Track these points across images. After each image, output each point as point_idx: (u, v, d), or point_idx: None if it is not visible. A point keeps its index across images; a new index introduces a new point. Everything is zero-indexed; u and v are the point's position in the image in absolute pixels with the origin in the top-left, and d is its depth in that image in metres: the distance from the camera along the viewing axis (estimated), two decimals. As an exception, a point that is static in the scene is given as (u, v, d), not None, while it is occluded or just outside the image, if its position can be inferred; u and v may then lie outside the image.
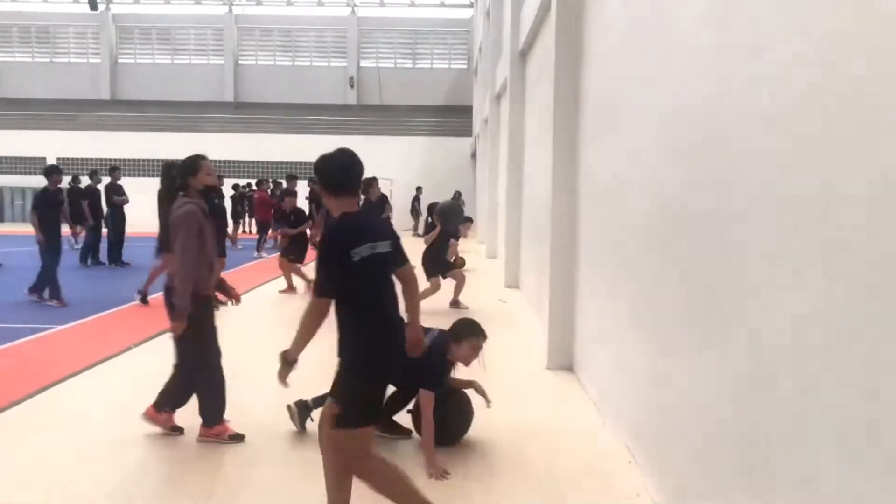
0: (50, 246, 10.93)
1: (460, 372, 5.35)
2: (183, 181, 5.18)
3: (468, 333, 5.04)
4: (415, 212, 27.28)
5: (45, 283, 10.94)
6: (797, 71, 2.65)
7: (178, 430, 5.34)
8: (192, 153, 5.42)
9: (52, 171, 11.25)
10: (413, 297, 3.83)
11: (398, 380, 4.74)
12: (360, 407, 3.49)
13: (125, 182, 16.61)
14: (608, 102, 5.93)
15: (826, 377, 2.40)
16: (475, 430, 5.34)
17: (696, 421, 3.68)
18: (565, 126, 7.20)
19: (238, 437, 5.21)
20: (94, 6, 34.87)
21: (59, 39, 38.01)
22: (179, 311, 4.91)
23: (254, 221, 21.76)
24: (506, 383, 6.87)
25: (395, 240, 3.73)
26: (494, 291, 12.81)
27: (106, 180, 16.07)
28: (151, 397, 5.36)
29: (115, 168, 16.26)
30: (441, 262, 11.08)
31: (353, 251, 3.40)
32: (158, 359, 7.33)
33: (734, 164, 3.21)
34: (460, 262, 16.53)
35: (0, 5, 37.39)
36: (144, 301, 10.73)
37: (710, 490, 3.48)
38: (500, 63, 16.27)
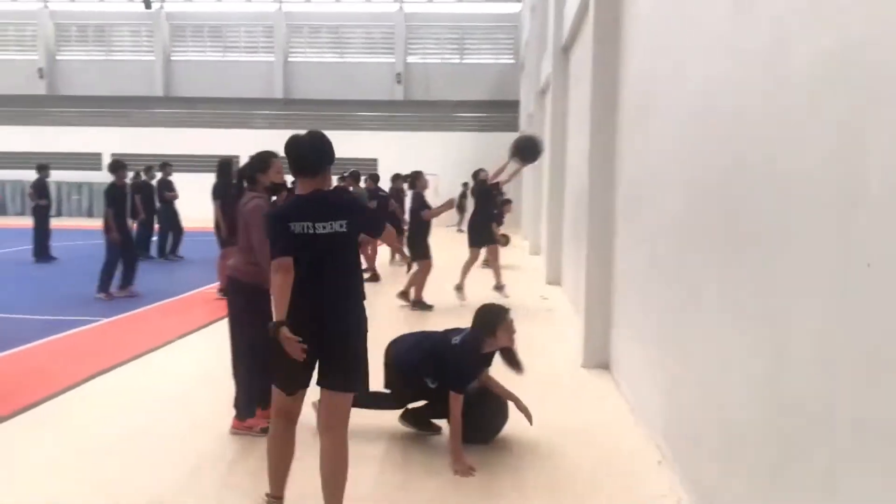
0: (117, 242, 11.17)
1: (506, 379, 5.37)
2: (252, 176, 5.28)
3: (497, 320, 5.05)
4: (460, 208, 27.28)
5: (109, 280, 11.17)
6: (826, 65, 2.61)
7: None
8: (243, 149, 5.62)
9: (118, 167, 11.53)
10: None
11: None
12: (273, 366, 3.76)
13: (177, 178, 16.95)
14: (643, 97, 5.89)
15: (856, 379, 2.35)
16: (505, 427, 5.37)
17: (724, 421, 3.65)
18: (602, 122, 7.17)
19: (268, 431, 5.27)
20: (148, 4, 35.54)
21: (114, 38, 38.88)
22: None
23: None
24: (539, 380, 6.88)
25: (356, 216, 3.86)
26: (536, 288, 12.79)
27: (158, 176, 16.41)
28: (200, 388, 5.50)
29: (166, 164, 16.60)
30: (485, 231, 11.34)
31: (291, 224, 3.67)
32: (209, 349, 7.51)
33: (764, 162, 3.17)
34: (503, 241, 16.53)
35: (59, 5, 38.40)
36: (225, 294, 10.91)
37: (737, 491, 3.45)
38: (545, 58, 16.22)
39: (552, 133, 13.35)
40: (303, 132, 4.05)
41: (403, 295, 10.65)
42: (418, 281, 10.47)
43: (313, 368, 3.77)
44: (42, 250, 15.58)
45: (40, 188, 15.88)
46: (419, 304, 10.41)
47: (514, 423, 5.37)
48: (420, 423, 5.38)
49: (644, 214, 5.78)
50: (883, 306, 2.18)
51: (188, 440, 5.22)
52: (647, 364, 5.59)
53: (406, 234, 11.96)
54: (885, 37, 2.18)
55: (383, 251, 16.45)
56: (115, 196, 11.28)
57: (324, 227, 3.72)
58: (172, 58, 38.65)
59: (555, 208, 13.24)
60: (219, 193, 10.60)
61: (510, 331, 5.06)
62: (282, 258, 3.62)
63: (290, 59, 38.47)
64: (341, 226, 3.76)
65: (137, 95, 36.89)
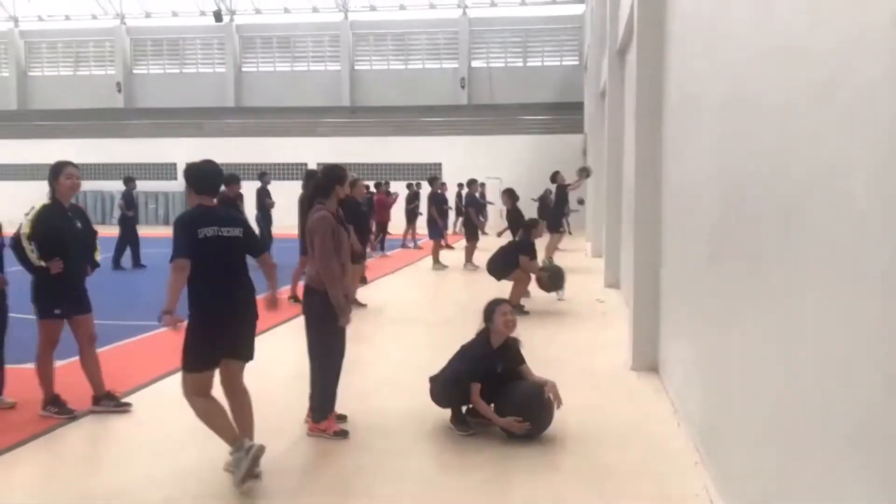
0: None
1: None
2: (328, 187, 5.55)
3: (491, 309, 5.66)
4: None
5: None
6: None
7: (342, 419, 5.69)
8: (310, 157, 5.96)
9: (232, 180, 12.03)
10: (270, 273, 5.07)
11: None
12: (193, 354, 4.60)
13: (245, 185, 17.40)
14: (687, 98, 5.93)
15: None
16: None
17: (761, 424, 3.67)
18: (648, 124, 7.22)
19: (342, 434, 5.46)
20: (218, 18, 36.82)
21: (187, 51, 40.27)
22: (340, 309, 5.34)
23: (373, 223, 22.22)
24: (586, 382, 6.99)
25: (247, 229, 4.91)
26: (594, 291, 12.81)
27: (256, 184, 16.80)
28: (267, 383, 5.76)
29: (264, 174, 17.00)
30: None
31: (199, 230, 4.59)
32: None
33: (808, 161, 3.11)
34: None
35: (135, 21, 39.99)
36: (296, 300, 11.26)
37: (769, 494, 3.47)
38: (604, 61, 16.21)
39: (609, 136, 13.36)
40: (366, 137, 4.53)
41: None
42: (517, 288, 10.72)
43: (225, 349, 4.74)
44: (133, 258, 16.23)
45: (129, 199, 16.53)
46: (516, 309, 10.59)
47: (556, 424, 5.50)
48: (459, 424, 5.58)
49: (689, 217, 5.82)
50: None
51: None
52: (688, 365, 5.64)
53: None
54: None
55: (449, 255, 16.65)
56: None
57: (228, 231, 4.71)
58: (243, 69, 39.79)
59: (613, 211, 13.24)
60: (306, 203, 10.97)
61: (505, 314, 5.56)
62: (181, 260, 4.50)
63: (356, 68, 39.15)
64: (239, 232, 4.79)
65: (210, 106, 38.09)
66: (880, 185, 2.32)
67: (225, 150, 34.50)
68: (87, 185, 34.05)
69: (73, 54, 40.68)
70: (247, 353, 4.88)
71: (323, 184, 5.56)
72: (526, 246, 10.82)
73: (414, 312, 11.13)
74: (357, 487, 4.75)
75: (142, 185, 33.89)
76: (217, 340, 4.66)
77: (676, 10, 6.47)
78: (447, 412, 5.66)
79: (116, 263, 16.03)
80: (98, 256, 6.54)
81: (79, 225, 6.11)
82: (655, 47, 7.08)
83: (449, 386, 5.52)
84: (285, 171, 32.19)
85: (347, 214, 6.23)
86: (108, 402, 6.13)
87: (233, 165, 33.71)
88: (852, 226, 2.55)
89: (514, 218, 13.65)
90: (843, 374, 2.59)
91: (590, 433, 5.57)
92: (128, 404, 6.20)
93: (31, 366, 6.17)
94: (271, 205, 16.47)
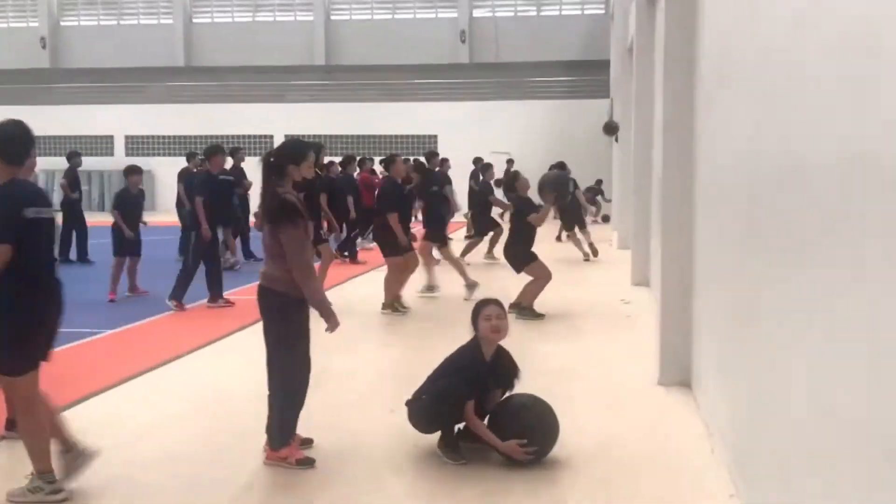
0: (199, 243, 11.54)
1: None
2: (282, 167, 5.52)
3: (477, 311, 5.76)
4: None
5: (186, 286, 11.50)
6: None
7: (308, 443, 5.76)
8: (278, 127, 6.00)
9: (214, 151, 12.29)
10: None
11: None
12: (19, 353, 4.76)
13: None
14: (722, 63, 6.02)
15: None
16: (557, 449, 5.63)
17: (805, 447, 3.75)
18: (678, 90, 7.32)
19: (306, 462, 5.45)
20: (165, -42, 36.85)
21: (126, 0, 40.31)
22: (326, 313, 5.47)
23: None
24: (604, 400, 7.12)
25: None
26: (619, 289, 12.92)
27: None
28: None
29: (237, 149, 17.12)
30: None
31: (25, 210, 4.72)
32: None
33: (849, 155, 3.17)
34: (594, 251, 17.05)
35: (63, -38, 40.02)
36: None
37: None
38: (632, 9, 16.28)
39: (637, 101, 13.45)
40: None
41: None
42: (532, 289, 10.82)
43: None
44: (78, 250, 16.55)
45: (73, 179, 16.68)
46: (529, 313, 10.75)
47: (569, 446, 5.62)
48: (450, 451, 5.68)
49: (724, 202, 5.92)
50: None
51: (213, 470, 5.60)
52: (723, 380, 5.75)
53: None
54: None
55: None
56: (212, 188, 11.87)
57: (48, 213, 4.96)
58: (194, 20, 39.81)
59: (642, 197, 13.32)
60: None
61: (488, 319, 5.62)
62: (2, 245, 4.62)
63: (332, 18, 39.19)
64: (49, 212, 5.02)
65: (154, 66, 38.09)
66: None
67: (173, 119, 34.61)
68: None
69: (-13, 3, 40.72)
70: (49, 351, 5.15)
71: (275, 163, 5.56)
72: (525, 206, 11.08)
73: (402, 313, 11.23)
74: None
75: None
76: (40, 339, 4.95)
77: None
78: (434, 436, 5.75)
79: (64, 256, 15.89)
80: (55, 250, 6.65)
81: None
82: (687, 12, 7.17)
83: (435, 405, 5.58)
84: (248, 145, 32.30)
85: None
86: None
87: (183, 138, 33.80)
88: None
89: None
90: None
91: (606, 462, 5.67)
92: None
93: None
94: (248, 186, 16.34)
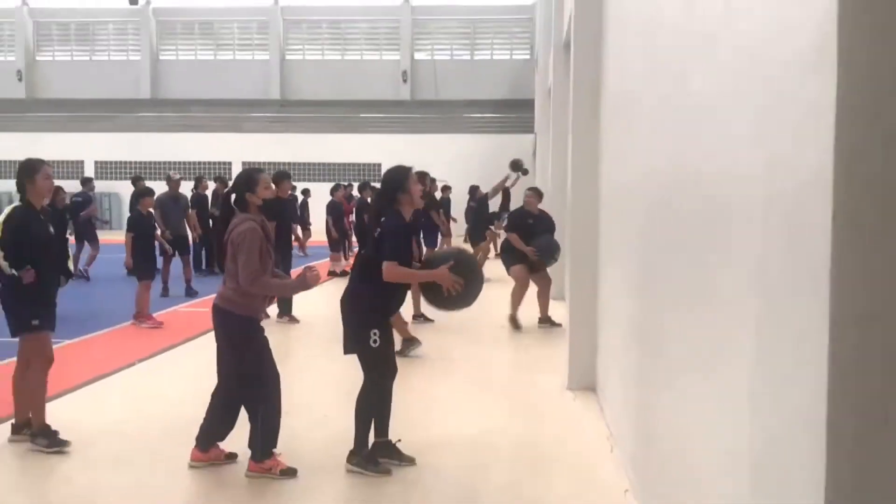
0: None
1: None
2: (240, 197, 5.33)
3: (403, 176, 5.42)
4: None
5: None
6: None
7: (233, 457, 5.44)
8: (236, 155, 5.75)
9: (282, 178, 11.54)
10: None
11: None
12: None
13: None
14: (621, 96, 6.05)
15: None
16: (470, 448, 5.56)
17: (688, 451, 3.73)
18: (584, 123, 7.35)
19: (290, 472, 5.21)
20: (133, 1, 36.27)
21: (98, 37, 39.59)
22: (300, 285, 5.23)
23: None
24: (518, 402, 7.07)
25: None
26: (537, 304, 12.90)
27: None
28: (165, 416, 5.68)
29: (200, 178, 16.74)
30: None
31: None
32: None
33: (727, 162, 3.18)
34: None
35: (38, 2, 39.16)
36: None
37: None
38: (550, 56, 16.40)
39: (554, 135, 13.51)
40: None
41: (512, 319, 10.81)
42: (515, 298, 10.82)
43: None
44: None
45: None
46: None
47: (481, 445, 5.53)
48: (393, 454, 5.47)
49: (620, 224, 5.93)
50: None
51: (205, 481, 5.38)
52: (620, 386, 5.73)
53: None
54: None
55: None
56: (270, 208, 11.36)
57: None
58: (161, 57, 39.28)
59: (558, 217, 13.35)
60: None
61: (418, 185, 5.45)
62: None
63: (287, 58, 38.98)
64: None
65: (123, 98, 37.50)
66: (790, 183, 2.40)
67: (140, 147, 34.00)
68: (-20, 183, 33.36)
69: (-33, 38, 39.69)
70: None
71: (236, 192, 5.38)
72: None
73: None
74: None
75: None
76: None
77: (612, 3, 6.59)
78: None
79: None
80: (71, 265, 6.44)
81: (51, 230, 5.89)
82: (593, 44, 7.20)
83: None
84: (207, 171, 31.82)
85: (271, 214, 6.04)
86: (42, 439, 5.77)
87: (148, 164, 33.23)
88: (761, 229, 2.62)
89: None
90: (774, 396, 2.54)
91: (518, 458, 5.62)
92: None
93: None
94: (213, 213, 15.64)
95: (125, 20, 39.01)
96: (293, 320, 11.06)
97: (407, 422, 5.87)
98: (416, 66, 38.43)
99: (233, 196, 5.43)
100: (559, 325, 10.62)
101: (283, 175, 11.71)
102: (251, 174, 5.41)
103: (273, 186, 5.65)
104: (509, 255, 11.24)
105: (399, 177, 5.41)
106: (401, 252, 5.20)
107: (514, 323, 10.67)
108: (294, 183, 17.95)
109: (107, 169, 34.84)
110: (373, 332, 5.20)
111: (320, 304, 11.08)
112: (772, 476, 2.58)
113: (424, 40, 38.69)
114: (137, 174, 18.93)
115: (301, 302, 10.64)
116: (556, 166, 13.40)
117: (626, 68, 5.77)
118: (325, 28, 39.04)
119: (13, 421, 5.94)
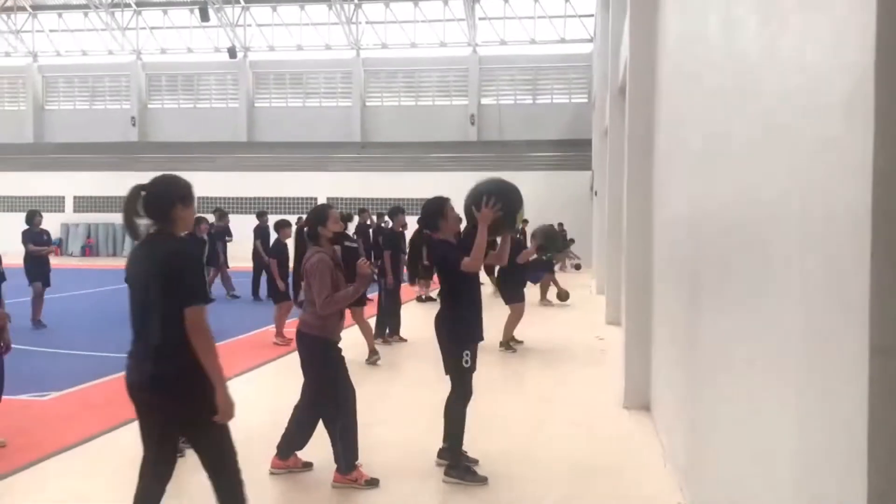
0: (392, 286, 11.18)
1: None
2: (312, 230, 5.41)
3: (440, 204, 5.65)
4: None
5: (387, 323, 11.18)
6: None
7: (309, 466, 5.52)
8: (321, 191, 5.84)
9: (397, 213, 11.90)
10: None
11: None
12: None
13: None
14: (671, 140, 6.01)
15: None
16: (526, 463, 5.52)
17: (742, 466, 3.68)
18: (639, 163, 7.31)
19: (373, 483, 5.23)
20: (233, 55, 37.37)
21: (201, 86, 40.86)
22: (356, 291, 5.28)
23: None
24: (575, 419, 7.00)
25: None
26: (595, 328, 12.79)
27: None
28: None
29: (262, 212, 17.25)
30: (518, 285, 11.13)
31: None
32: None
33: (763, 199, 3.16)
34: (563, 295, 16.57)
35: (150, 57, 40.65)
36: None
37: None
38: (606, 99, 16.35)
39: (610, 173, 13.45)
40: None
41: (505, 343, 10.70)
42: (509, 323, 10.67)
43: None
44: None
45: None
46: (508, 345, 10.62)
47: (535, 461, 5.49)
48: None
49: (672, 256, 5.87)
50: None
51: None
52: (674, 405, 5.64)
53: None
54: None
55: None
56: (390, 239, 11.59)
57: None
58: (256, 104, 40.29)
59: (614, 247, 13.26)
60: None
61: (454, 210, 5.63)
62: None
63: (367, 104, 39.58)
64: None
65: (223, 141, 38.52)
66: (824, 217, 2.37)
67: (237, 184, 34.84)
68: (99, 218, 34.63)
69: (90, 89, 41.32)
70: None
71: (308, 226, 5.45)
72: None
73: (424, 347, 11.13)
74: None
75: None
76: None
77: (664, 53, 6.57)
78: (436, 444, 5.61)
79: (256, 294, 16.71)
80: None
81: None
82: (646, 90, 7.19)
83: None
84: (296, 206, 32.44)
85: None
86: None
87: (245, 199, 34.03)
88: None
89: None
90: (821, 416, 2.45)
91: (575, 471, 5.56)
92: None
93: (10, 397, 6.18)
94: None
95: (225, 72, 40.15)
96: (401, 339, 11.04)
97: (469, 434, 5.72)
98: (482, 110, 38.62)
99: (305, 230, 5.52)
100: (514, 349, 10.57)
101: (397, 210, 11.87)
102: (323, 209, 5.50)
103: (339, 221, 5.59)
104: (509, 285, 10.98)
105: (437, 206, 5.62)
106: (461, 255, 5.32)
107: (509, 346, 10.55)
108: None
109: (208, 204, 35.79)
110: (465, 353, 5.34)
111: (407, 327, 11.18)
112: (816, 494, 2.53)
113: (490, 86, 38.90)
114: (261, 209, 19.58)
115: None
116: (612, 201, 13.33)
117: (676, 112, 5.74)
118: (401, 77, 39.57)
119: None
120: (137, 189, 3.80)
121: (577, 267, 20.72)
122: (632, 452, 6.08)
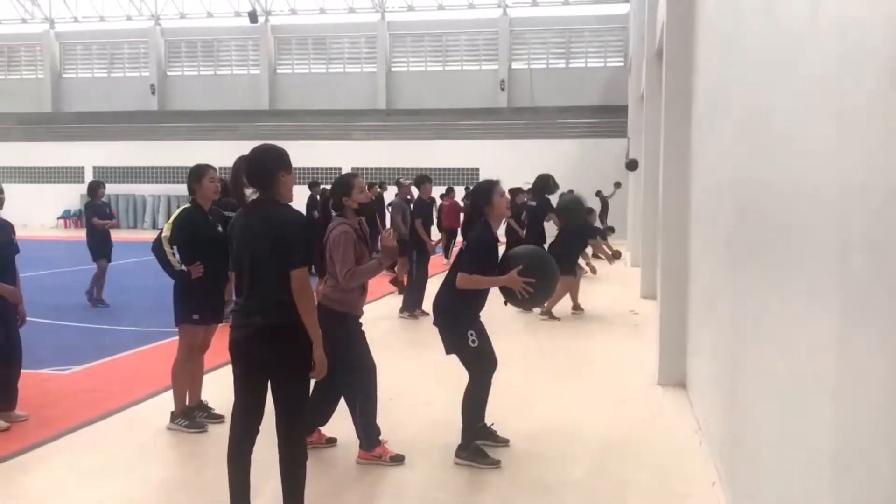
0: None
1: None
2: (337, 201, 5.41)
3: (488, 188, 5.46)
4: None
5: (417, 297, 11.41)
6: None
7: (333, 442, 5.61)
8: (345, 161, 5.86)
9: (424, 181, 11.95)
10: None
11: None
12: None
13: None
14: (710, 105, 5.96)
15: None
16: (558, 439, 5.58)
17: (778, 441, 3.69)
18: (677, 130, 7.26)
19: (398, 459, 5.29)
20: (254, 19, 37.46)
21: (221, 53, 41.00)
22: (380, 265, 5.34)
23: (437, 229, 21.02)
24: (610, 395, 7.04)
25: None
26: (629, 301, 12.79)
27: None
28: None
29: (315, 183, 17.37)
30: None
31: None
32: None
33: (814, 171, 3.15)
34: (616, 254, 16.33)
35: (169, 23, 40.81)
36: None
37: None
38: (643, 63, 16.19)
39: (647, 141, 13.33)
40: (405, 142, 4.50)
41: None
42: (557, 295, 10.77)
43: None
44: None
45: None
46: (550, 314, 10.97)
47: (571, 437, 5.55)
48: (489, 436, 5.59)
49: (711, 227, 5.85)
50: None
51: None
52: (710, 381, 5.65)
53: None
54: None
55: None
56: (419, 207, 11.74)
57: None
58: (278, 71, 40.36)
59: (649, 219, 13.19)
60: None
61: (503, 194, 5.47)
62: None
63: (392, 70, 39.47)
64: None
65: (244, 109, 38.66)
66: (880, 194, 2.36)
67: (258, 154, 35.07)
68: (119, 189, 35.04)
69: (108, 56, 41.65)
70: None
71: (333, 197, 5.47)
72: None
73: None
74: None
75: (175, 189, 34.73)
76: None
77: (703, 16, 6.50)
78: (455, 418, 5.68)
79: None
80: None
81: (220, 229, 6.02)
82: (684, 53, 7.12)
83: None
84: (319, 175, 32.60)
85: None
86: (200, 412, 6.12)
87: (266, 169, 34.28)
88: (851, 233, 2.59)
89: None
90: (858, 397, 2.49)
91: (607, 448, 5.62)
92: (218, 416, 6.07)
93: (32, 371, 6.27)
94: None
95: (246, 37, 40.21)
96: (423, 313, 11.02)
97: (501, 409, 5.84)
98: (513, 74, 38.35)
99: (330, 200, 5.52)
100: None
101: (424, 178, 11.94)
102: (347, 179, 5.49)
103: (367, 190, 5.59)
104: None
105: (485, 190, 5.46)
106: (478, 266, 5.24)
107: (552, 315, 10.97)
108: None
109: (226, 174, 36.07)
110: (469, 333, 5.27)
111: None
112: (855, 477, 2.55)
113: (521, 50, 38.57)
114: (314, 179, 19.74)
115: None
116: (648, 169, 13.22)
117: (715, 79, 5.69)
118: (428, 41, 39.37)
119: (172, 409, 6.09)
120: (241, 160, 4.28)
121: (617, 255, 19.35)
122: (666, 430, 6.12)
